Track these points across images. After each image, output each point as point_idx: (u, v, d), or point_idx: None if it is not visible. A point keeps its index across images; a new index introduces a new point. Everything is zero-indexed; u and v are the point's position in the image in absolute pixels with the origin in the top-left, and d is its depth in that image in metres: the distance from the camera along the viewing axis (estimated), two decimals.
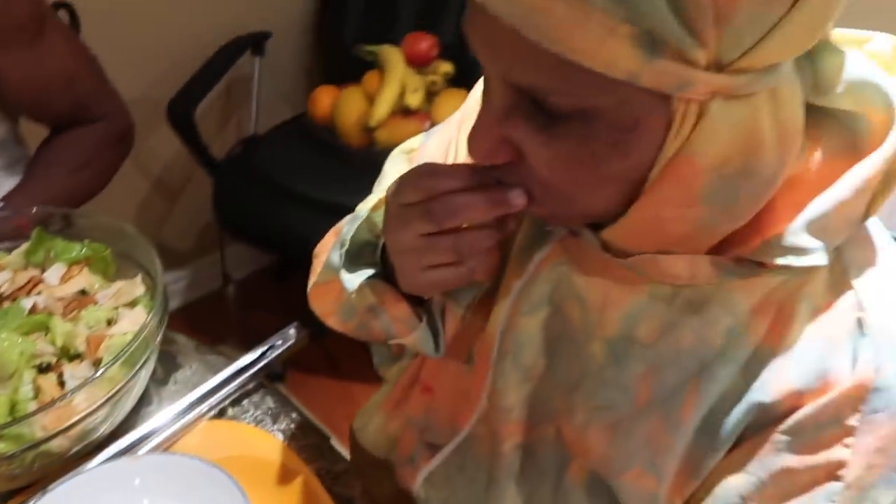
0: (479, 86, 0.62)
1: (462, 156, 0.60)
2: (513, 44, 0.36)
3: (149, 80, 1.63)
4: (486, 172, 0.44)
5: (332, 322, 0.62)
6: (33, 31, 0.90)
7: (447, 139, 0.63)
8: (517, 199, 0.42)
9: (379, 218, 0.54)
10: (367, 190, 1.46)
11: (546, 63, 0.35)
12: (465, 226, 0.46)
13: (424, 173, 0.46)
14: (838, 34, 0.43)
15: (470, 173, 0.45)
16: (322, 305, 0.61)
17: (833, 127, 0.42)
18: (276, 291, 1.97)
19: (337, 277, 0.53)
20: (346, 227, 0.56)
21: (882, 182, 0.42)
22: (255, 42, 1.68)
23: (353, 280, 0.52)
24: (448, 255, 0.46)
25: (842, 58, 0.41)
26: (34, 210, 0.78)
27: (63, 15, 1.21)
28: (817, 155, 0.42)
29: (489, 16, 0.35)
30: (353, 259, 0.54)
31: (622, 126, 0.37)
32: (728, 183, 0.39)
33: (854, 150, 0.42)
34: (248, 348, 0.74)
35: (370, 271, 0.53)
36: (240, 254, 1.88)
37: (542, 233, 0.50)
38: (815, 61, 0.40)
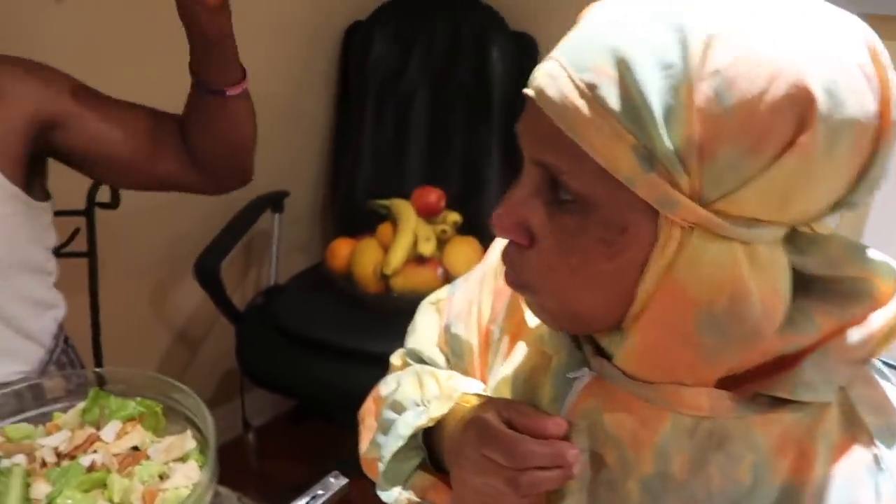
0: (495, 245, 0.71)
1: (486, 313, 0.68)
2: (547, 130, 0.44)
3: (173, 238, 1.74)
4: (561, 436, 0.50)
5: None
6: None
7: (470, 297, 0.70)
8: (577, 468, 0.49)
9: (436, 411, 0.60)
10: (384, 335, 1.53)
11: (567, 148, 0.44)
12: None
13: (515, 441, 0.50)
14: None
15: (552, 443, 0.50)
16: (373, 474, 0.66)
17: (839, 299, 0.47)
18: (294, 437, 1.99)
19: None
20: (384, 439, 0.62)
21: (885, 334, 0.48)
22: (275, 200, 1.81)
23: (392, 495, 0.59)
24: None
25: (843, 240, 0.48)
26: (90, 372, 0.85)
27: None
28: (830, 324, 0.47)
29: (537, 108, 0.45)
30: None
31: (613, 225, 0.44)
32: (719, 322, 0.44)
33: (862, 314, 0.47)
34: (268, 497, 0.77)
35: (410, 489, 0.60)
36: (260, 399, 1.92)
37: (566, 382, 0.54)
38: (818, 242, 0.47)
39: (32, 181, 0.95)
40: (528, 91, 0.46)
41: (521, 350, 0.61)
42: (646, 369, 0.49)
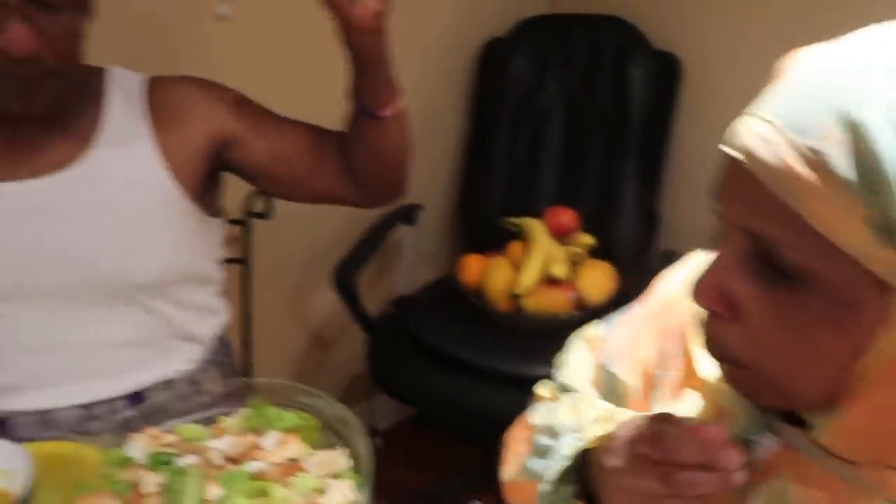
0: (657, 284, 0.69)
1: (648, 355, 0.66)
2: (760, 196, 0.41)
3: (312, 247, 1.82)
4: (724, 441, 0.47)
5: None
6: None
7: (630, 337, 0.69)
8: (739, 476, 0.47)
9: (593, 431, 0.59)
10: (514, 354, 1.51)
11: (785, 217, 0.40)
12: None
13: (665, 432, 0.49)
14: None
15: (707, 443, 0.47)
16: (517, 499, 0.66)
17: None
18: (417, 442, 2.03)
19: (531, 481, 0.60)
20: (542, 463, 0.61)
21: None
22: (408, 213, 1.86)
23: None
24: None
25: None
26: (246, 380, 0.90)
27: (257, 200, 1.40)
28: None
29: (745, 171, 0.42)
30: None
31: (841, 302, 0.41)
32: None
33: None
34: (392, 502, 0.78)
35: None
36: (385, 403, 1.97)
37: (745, 444, 0.51)
38: None
39: (206, 198, 1.02)
40: (732, 152, 0.44)
41: (691, 399, 0.59)
42: (854, 449, 0.46)
